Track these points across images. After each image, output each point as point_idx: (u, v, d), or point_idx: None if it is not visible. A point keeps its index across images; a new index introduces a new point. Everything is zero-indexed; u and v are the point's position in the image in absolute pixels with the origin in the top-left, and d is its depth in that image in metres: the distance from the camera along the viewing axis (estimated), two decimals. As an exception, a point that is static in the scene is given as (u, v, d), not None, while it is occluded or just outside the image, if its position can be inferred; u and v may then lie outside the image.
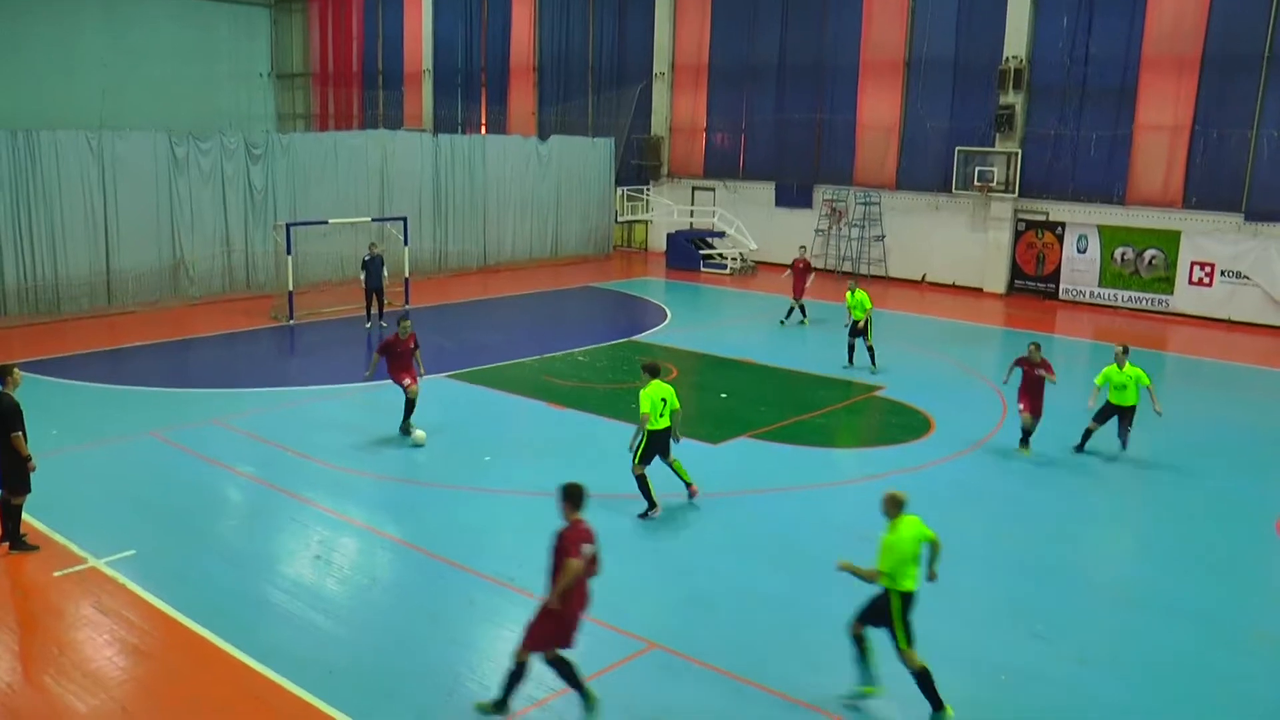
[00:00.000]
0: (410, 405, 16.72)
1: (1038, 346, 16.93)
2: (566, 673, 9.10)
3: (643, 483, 13.81)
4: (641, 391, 13.69)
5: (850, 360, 22.53)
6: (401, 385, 16.71)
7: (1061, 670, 10.27)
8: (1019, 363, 17.13)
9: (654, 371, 13.95)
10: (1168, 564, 13.18)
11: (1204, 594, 12.19)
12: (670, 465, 14.19)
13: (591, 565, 9.10)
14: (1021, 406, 16.97)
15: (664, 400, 13.69)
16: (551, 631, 8.98)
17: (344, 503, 14.13)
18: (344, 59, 54.04)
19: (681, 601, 11.16)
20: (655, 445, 13.83)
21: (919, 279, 34.81)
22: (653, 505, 13.85)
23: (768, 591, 11.81)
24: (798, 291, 27.04)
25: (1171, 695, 9.99)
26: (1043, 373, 16.74)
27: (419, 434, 16.43)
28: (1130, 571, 13.10)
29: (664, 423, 13.75)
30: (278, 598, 11.25)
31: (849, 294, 22.48)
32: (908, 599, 9.46)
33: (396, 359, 16.67)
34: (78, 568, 11.81)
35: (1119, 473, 17.41)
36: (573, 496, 9.19)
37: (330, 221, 28.55)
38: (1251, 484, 16.20)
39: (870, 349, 22.38)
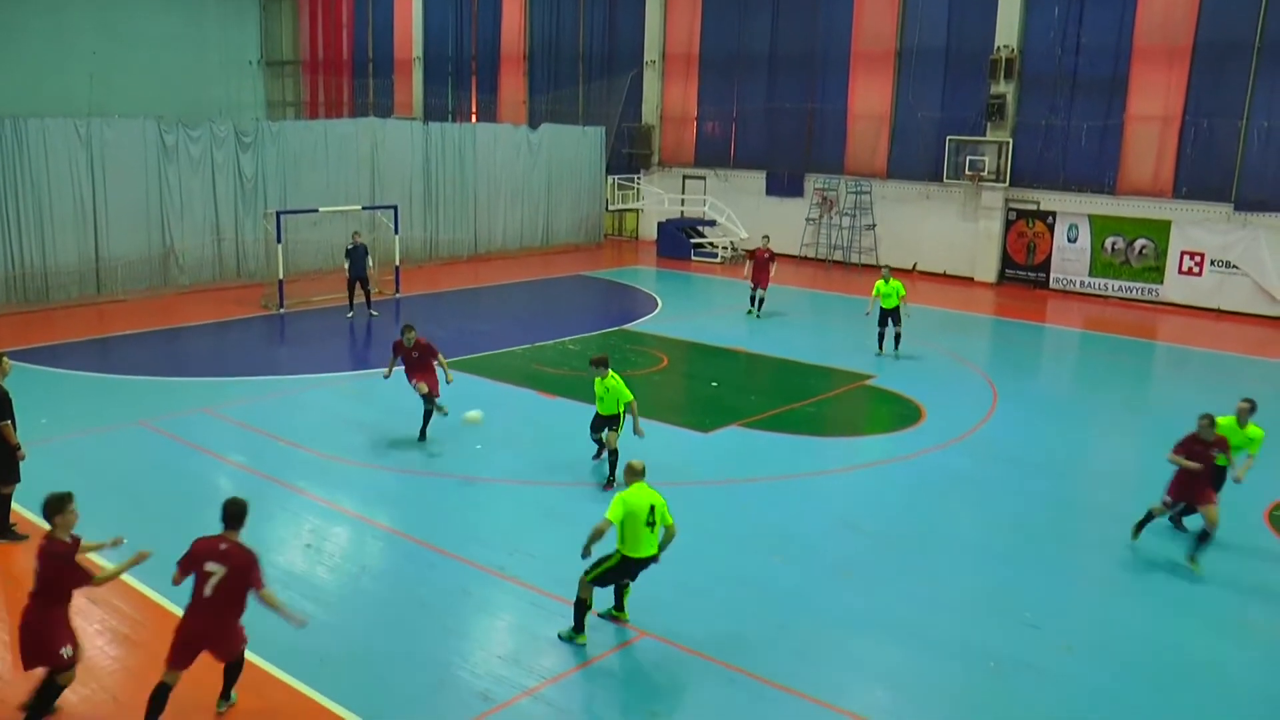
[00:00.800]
0: (428, 411, 16.08)
1: (1211, 422, 12.87)
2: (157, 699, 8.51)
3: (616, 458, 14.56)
4: (620, 384, 14.47)
5: (881, 348, 22.75)
6: (412, 385, 16.05)
7: (1050, 658, 10.31)
8: (1188, 444, 12.85)
9: (608, 363, 14.68)
10: (1158, 552, 13.22)
11: (1193, 582, 12.24)
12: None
13: (212, 585, 8.38)
14: (1169, 499, 12.94)
15: None
16: (171, 646, 8.54)
17: (335, 491, 14.12)
18: (334, 46, 53.85)
19: (672, 590, 11.16)
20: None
21: (910, 268, 34.81)
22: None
23: (758, 580, 11.83)
24: (761, 281, 26.68)
25: (1159, 683, 10.05)
26: (1218, 453, 12.82)
27: (472, 415, 15.12)
28: (1119, 559, 13.12)
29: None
30: (269, 586, 11.21)
31: (882, 281, 22.49)
32: (628, 563, 10.13)
33: (410, 365, 16.07)
34: (67, 557, 11.75)
35: (1109, 462, 17.49)
36: (224, 513, 8.65)
37: (320, 210, 28.45)
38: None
39: (898, 335, 22.60)
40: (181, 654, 8.48)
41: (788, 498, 14.53)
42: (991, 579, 12.28)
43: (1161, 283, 30.47)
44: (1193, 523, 13.37)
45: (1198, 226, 29.68)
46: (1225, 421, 13.27)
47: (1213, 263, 29.58)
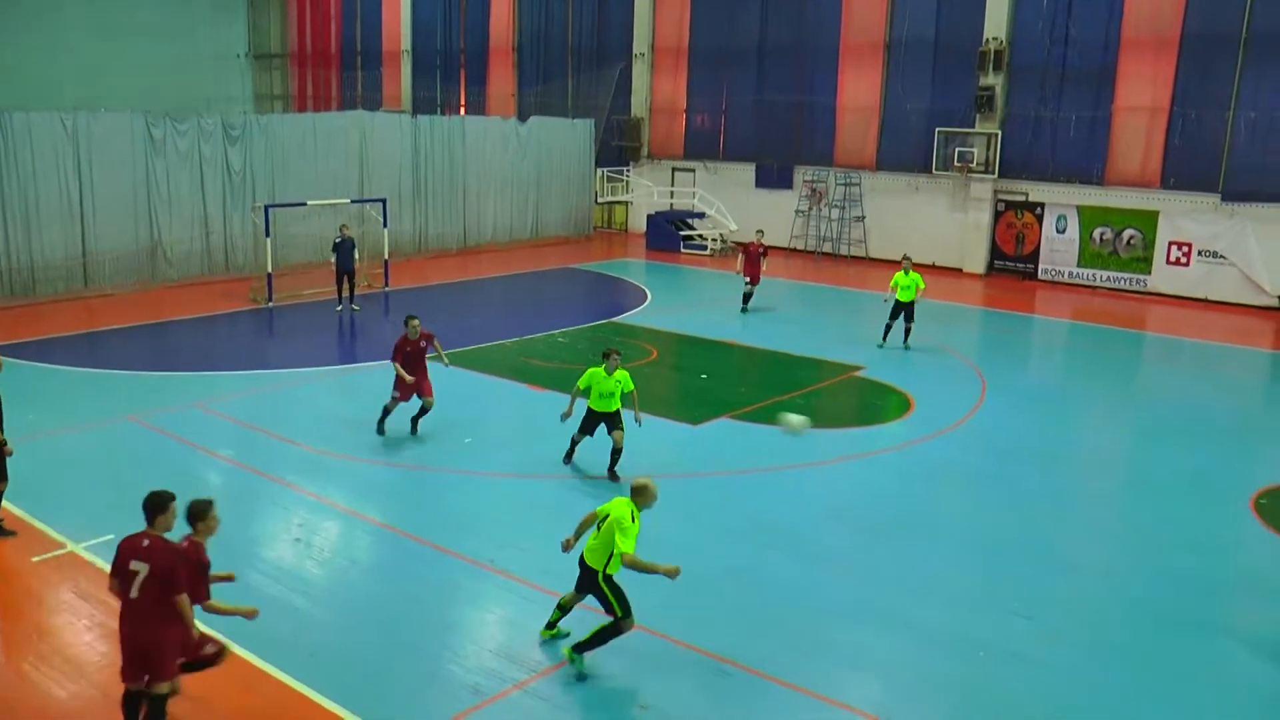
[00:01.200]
0: (424, 406, 15.96)
1: None
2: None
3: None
4: (627, 376, 14.51)
5: (885, 339, 22.70)
6: (402, 394, 15.78)
7: (1040, 649, 10.35)
8: None
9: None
10: (1147, 542, 13.29)
11: (1182, 572, 12.30)
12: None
13: (137, 585, 7.80)
14: None
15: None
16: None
17: (324, 486, 14.10)
18: (322, 39, 53.69)
19: (661, 582, 11.16)
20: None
21: (900, 260, 34.82)
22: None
23: (749, 572, 11.84)
24: (752, 276, 26.36)
25: (1149, 673, 10.08)
26: None
27: (795, 419, 13.88)
28: (1109, 549, 13.19)
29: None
30: (258, 581, 11.19)
31: (901, 273, 22.46)
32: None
33: (410, 360, 15.78)
34: (56, 553, 11.75)
35: (1098, 452, 17.54)
36: (143, 506, 8.05)
37: (309, 203, 28.40)
38: (1228, 461, 16.35)
39: (908, 329, 22.57)
40: (129, 666, 8.01)
41: (778, 489, 14.54)
42: (983, 569, 12.30)
43: (1149, 273, 30.58)
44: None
45: (1185, 217, 29.77)
46: None
47: (1200, 253, 29.69)
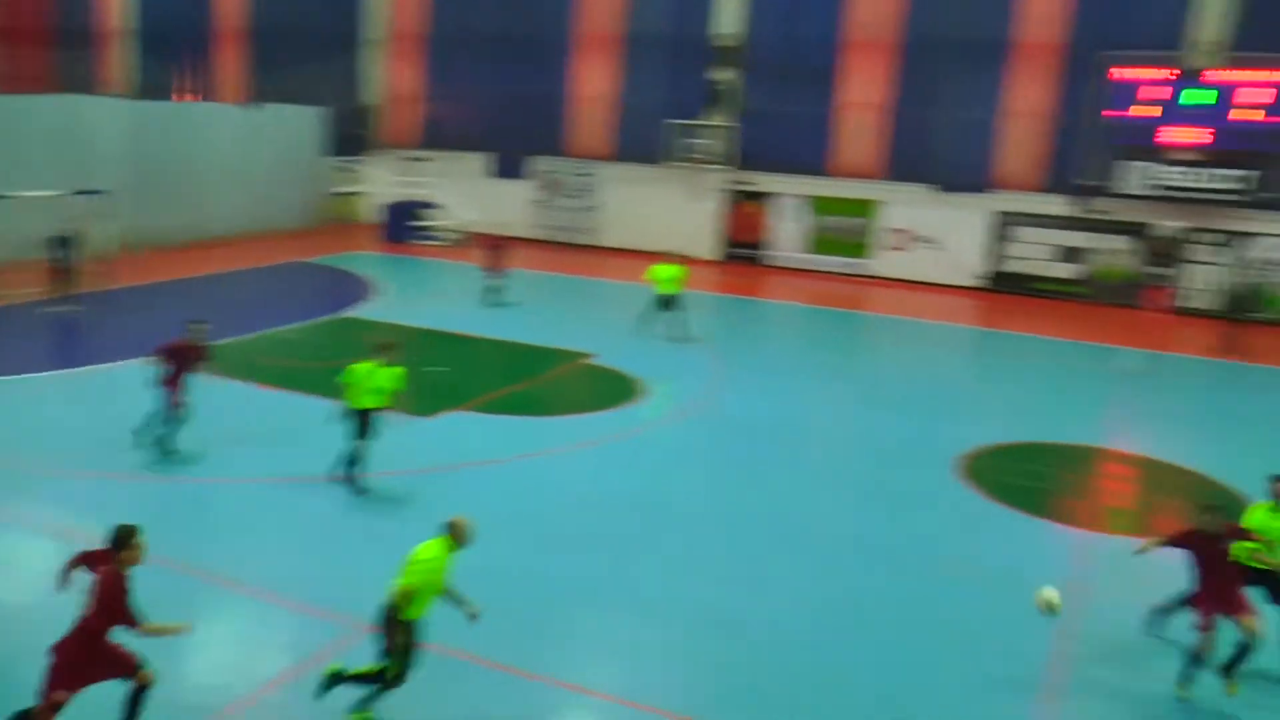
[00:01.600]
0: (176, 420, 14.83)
1: (1213, 510, 9.80)
2: None
3: None
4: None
5: (654, 330, 23.16)
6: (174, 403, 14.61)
7: (772, 613, 11.01)
8: (1184, 540, 9.75)
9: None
10: (871, 506, 14.31)
11: (892, 532, 13.38)
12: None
13: None
14: (1201, 616, 9.54)
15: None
16: None
17: (27, 503, 13.13)
18: (31, 13, 49.95)
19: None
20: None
21: (652, 252, 35.42)
22: None
23: (490, 565, 11.65)
24: (493, 268, 26.68)
25: (871, 629, 10.81)
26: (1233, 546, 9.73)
27: (1051, 598, 9.86)
28: (830, 514, 14.07)
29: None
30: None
31: (661, 266, 23.10)
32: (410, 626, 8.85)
33: (177, 370, 14.54)
34: None
35: (826, 425, 18.52)
36: None
37: (13, 195, 26.41)
38: (937, 428, 17.78)
39: (679, 320, 23.07)
40: None
41: (515, 480, 14.63)
42: (721, 545, 12.83)
43: (871, 258, 32.49)
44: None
45: (904, 206, 31.82)
46: (1259, 513, 10.37)
47: (916, 239, 31.83)
